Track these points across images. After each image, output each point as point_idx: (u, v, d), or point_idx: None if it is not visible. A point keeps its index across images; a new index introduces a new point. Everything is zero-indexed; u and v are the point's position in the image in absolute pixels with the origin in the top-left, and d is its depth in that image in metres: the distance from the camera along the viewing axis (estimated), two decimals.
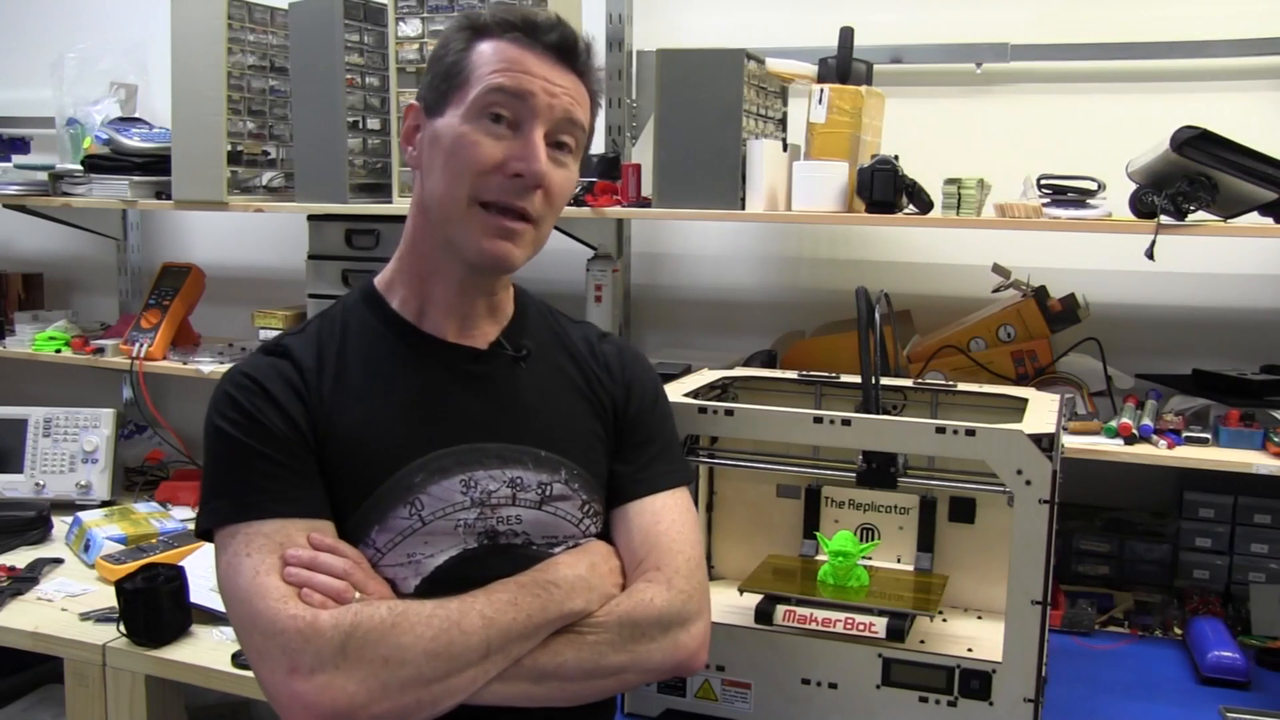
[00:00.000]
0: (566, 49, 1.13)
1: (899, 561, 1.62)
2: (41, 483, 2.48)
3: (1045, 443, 1.30)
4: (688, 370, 1.96)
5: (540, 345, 1.25)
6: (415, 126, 1.17)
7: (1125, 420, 1.83)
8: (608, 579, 1.16)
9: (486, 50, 1.12)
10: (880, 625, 1.42)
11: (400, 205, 2.17)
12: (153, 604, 1.77)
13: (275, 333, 2.40)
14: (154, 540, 2.16)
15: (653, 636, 1.13)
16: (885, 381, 1.57)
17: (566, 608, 1.10)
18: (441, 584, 1.11)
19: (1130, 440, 1.82)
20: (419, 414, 1.15)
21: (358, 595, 1.06)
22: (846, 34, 1.99)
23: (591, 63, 1.17)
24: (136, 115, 2.64)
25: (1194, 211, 1.77)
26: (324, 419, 1.12)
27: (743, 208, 1.98)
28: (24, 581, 2.04)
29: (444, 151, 1.12)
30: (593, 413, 1.24)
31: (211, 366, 2.41)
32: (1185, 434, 1.83)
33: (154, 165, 2.43)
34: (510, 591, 1.08)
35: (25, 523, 2.30)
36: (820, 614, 1.45)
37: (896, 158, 1.90)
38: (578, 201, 2.08)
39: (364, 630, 1.01)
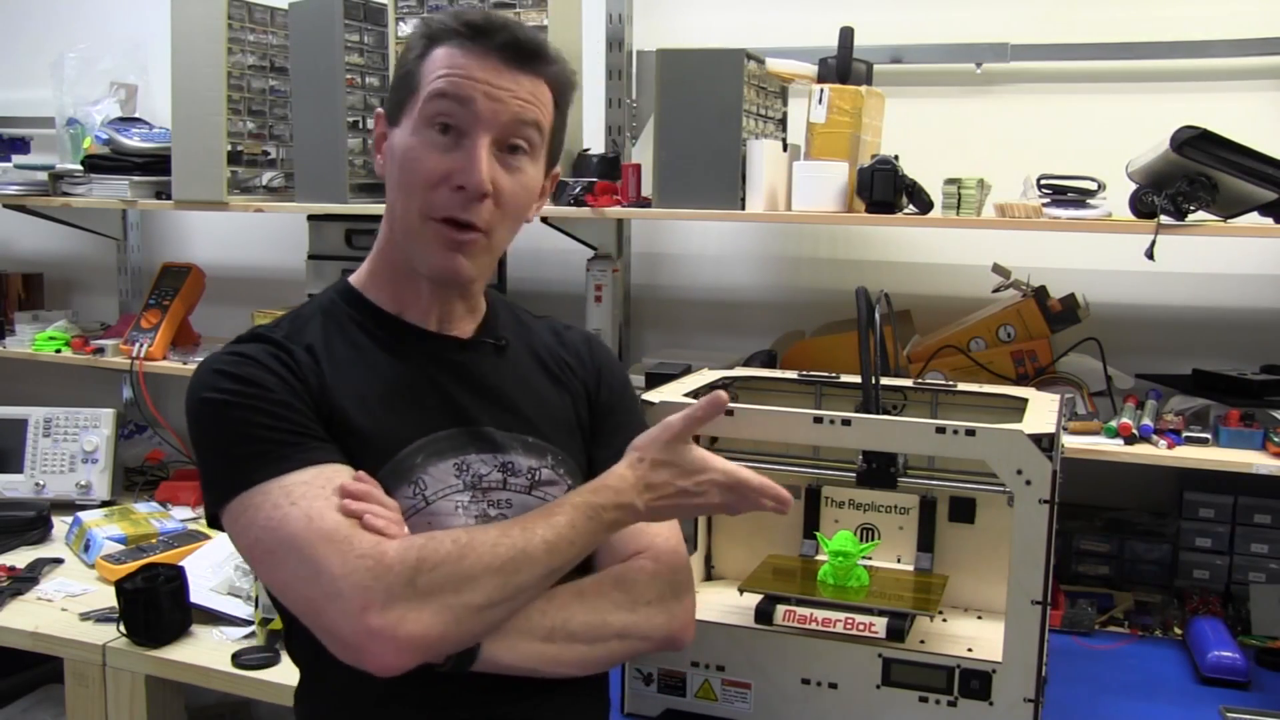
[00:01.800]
0: (516, 50, 1.12)
1: (899, 561, 1.62)
2: (41, 483, 2.48)
3: (1045, 443, 1.30)
4: (688, 370, 1.96)
5: (513, 338, 1.27)
6: (382, 135, 1.19)
7: (1125, 420, 1.83)
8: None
9: (436, 57, 1.12)
10: (880, 625, 1.42)
11: None
12: (153, 604, 1.77)
13: None
14: (154, 540, 2.16)
15: (649, 600, 1.17)
16: (885, 381, 1.57)
17: (621, 520, 1.13)
18: None
19: (1130, 440, 1.82)
20: (409, 398, 1.16)
21: (407, 530, 1.07)
22: (846, 34, 1.99)
23: (551, 61, 1.15)
24: (136, 115, 2.64)
25: (1194, 211, 1.77)
26: (315, 397, 1.12)
27: (743, 208, 1.98)
28: (24, 581, 2.04)
29: (397, 165, 1.14)
30: (568, 399, 1.28)
31: None
32: (1185, 434, 1.83)
33: (154, 165, 2.43)
34: (568, 515, 1.09)
35: (25, 523, 2.30)
36: (820, 614, 1.45)
37: (896, 158, 1.90)
38: (577, 202, 2.08)
39: (431, 563, 1.02)
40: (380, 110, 1.19)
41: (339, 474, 1.07)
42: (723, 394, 1.15)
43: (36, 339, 2.63)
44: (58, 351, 2.59)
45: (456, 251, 1.13)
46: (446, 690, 1.11)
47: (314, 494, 1.04)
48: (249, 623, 1.83)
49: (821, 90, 1.95)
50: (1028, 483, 1.30)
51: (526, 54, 1.12)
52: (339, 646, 1.02)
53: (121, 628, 1.80)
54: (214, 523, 1.10)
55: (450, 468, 1.15)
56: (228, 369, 1.10)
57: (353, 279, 1.24)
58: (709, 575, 1.71)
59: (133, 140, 2.46)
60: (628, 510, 1.12)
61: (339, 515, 1.03)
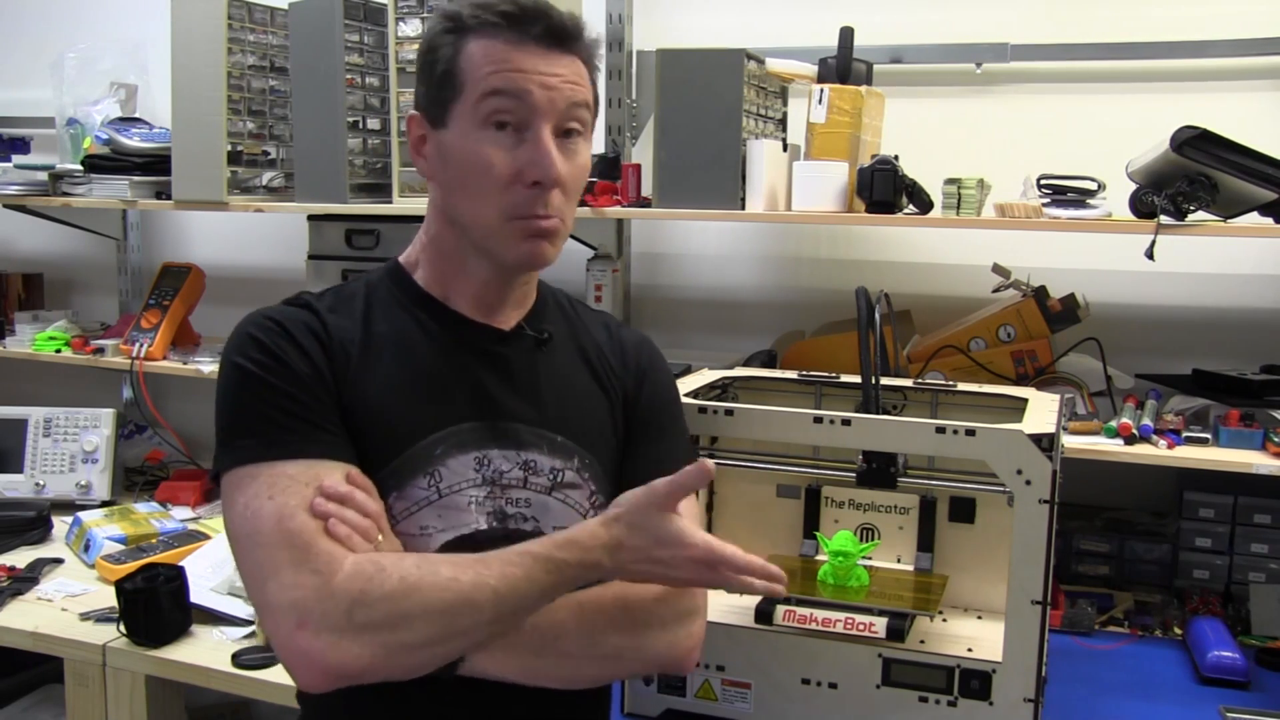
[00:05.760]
0: (556, 35, 1.10)
1: (899, 561, 1.62)
2: (41, 483, 2.48)
3: (1045, 443, 1.30)
4: (688, 370, 1.96)
5: (559, 332, 1.24)
6: (421, 137, 1.16)
7: (1125, 420, 1.83)
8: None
9: (475, 52, 1.09)
10: (880, 625, 1.42)
11: (400, 205, 2.17)
12: (153, 604, 1.77)
13: None
14: (154, 540, 2.16)
15: (651, 624, 1.13)
16: (885, 381, 1.57)
17: (585, 577, 1.07)
18: None
19: (1130, 440, 1.82)
20: (441, 386, 1.15)
21: (381, 538, 1.06)
22: (846, 34, 1.99)
23: (585, 39, 1.14)
24: (136, 115, 2.64)
25: (1194, 211, 1.77)
26: (345, 377, 1.11)
27: (743, 208, 1.98)
28: (24, 581, 2.04)
29: (459, 168, 1.11)
30: (606, 402, 1.24)
31: (211, 366, 2.41)
32: (1185, 434, 1.83)
33: (154, 165, 2.44)
34: (525, 567, 1.04)
35: (25, 523, 2.30)
36: (820, 614, 1.45)
37: (896, 158, 1.90)
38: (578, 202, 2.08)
39: (372, 598, 1.00)
40: (414, 113, 1.16)
41: (329, 471, 1.06)
42: (709, 463, 1.05)
43: (36, 339, 2.63)
44: (58, 351, 2.59)
45: (541, 239, 1.12)
46: (450, 689, 1.09)
47: (294, 489, 1.04)
48: (249, 623, 1.83)
49: (821, 90, 1.95)
50: (1028, 483, 1.30)
51: (566, 36, 1.11)
52: (277, 653, 1.03)
53: (121, 628, 1.80)
54: (215, 480, 1.11)
55: (471, 460, 1.14)
56: (262, 336, 1.10)
57: (402, 258, 1.23)
58: None
59: (133, 140, 2.46)
60: (594, 568, 1.06)
61: (308, 517, 1.02)
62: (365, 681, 1.02)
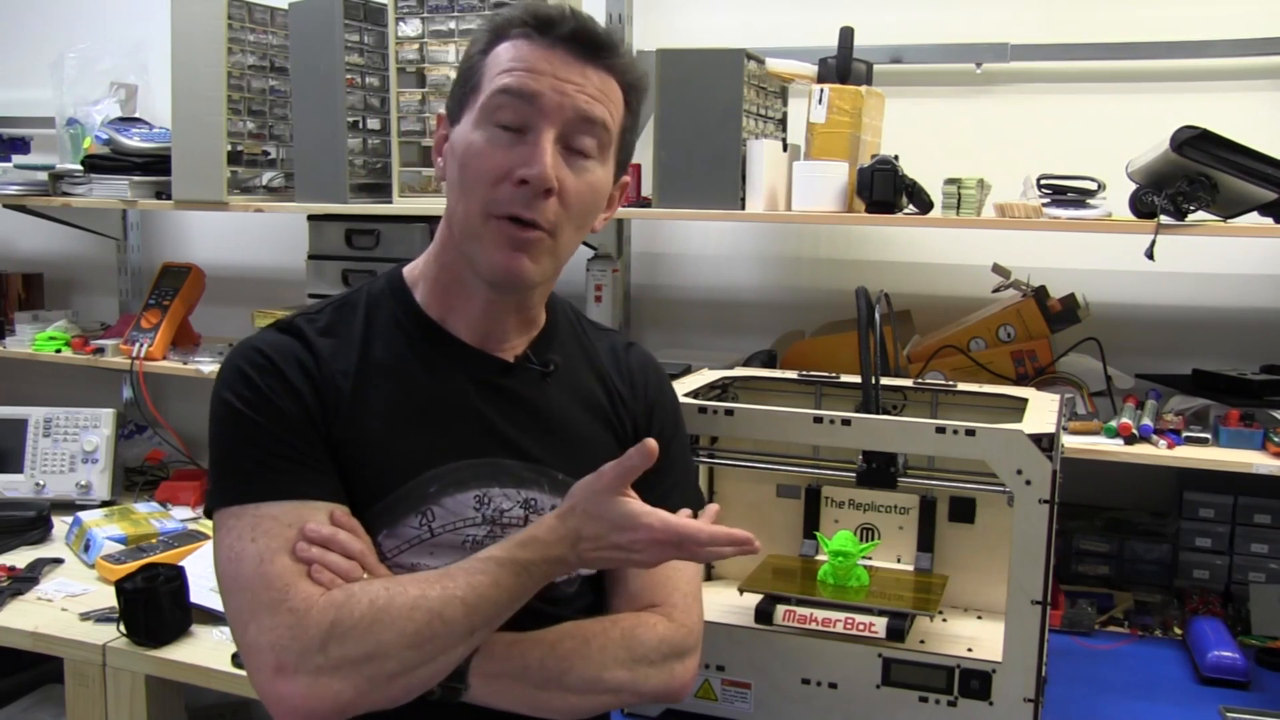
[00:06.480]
0: (582, 42, 1.07)
1: (899, 561, 1.62)
2: (41, 483, 2.48)
3: (1045, 443, 1.30)
4: (688, 370, 1.96)
5: (567, 359, 1.21)
6: (444, 137, 1.14)
7: (1125, 420, 1.83)
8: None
9: (500, 52, 1.08)
10: (880, 625, 1.42)
11: (400, 205, 2.17)
12: (153, 604, 1.77)
13: None
14: (154, 540, 2.16)
15: (652, 661, 1.13)
16: (885, 381, 1.57)
17: (551, 574, 1.06)
18: None
19: (1130, 440, 1.82)
20: (441, 421, 1.12)
21: (365, 577, 1.04)
22: (846, 34, 1.99)
23: (621, 55, 1.10)
24: (136, 115, 2.64)
25: (1194, 211, 1.77)
26: (336, 414, 1.09)
27: (743, 208, 1.98)
28: (24, 581, 2.04)
29: (458, 162, 1.09)
30: (612, 436, 1.22)
31: (211, 366, 2.41)
32: (1185, 434, 1.83)
33: (154, 165, 2.44)
34: (491, 574, 1.03)
35: (25, 523, 2.30)
36: (820, 614, 1.45)
37: (896, 158, 1.90)
38: None
39: (344, 628, 0.99)
40: (441, 113, 1.15)
41: (313, 511, 1.05)
42: (652, 442, 1.03)
43: (36, 339, 2.63)
44: (58, 351, 2.59)
45: (519, 251, 1.07)
46: (448, 713, 1.08)
47: (277, 532, 1.03)
48: None
49: (821, 90, 1.95)
50: (1028, 483, 1.31)
51: (595, 45, 1.08)
52: (259, 697, 1.02)
53: (121, 628, 1.80)
54: (210, 516, 1.10)
55: (470, 499, 1.11)
56: (250, 372, 1.08)
57: (406, 271, 1.19)
58: (709, 575, 1.71)
59: (133, 140, 2.46)
60: (558, 563, 1.05)
61: (289, 560, 1.02)
62: (351, 714, 1.01)
